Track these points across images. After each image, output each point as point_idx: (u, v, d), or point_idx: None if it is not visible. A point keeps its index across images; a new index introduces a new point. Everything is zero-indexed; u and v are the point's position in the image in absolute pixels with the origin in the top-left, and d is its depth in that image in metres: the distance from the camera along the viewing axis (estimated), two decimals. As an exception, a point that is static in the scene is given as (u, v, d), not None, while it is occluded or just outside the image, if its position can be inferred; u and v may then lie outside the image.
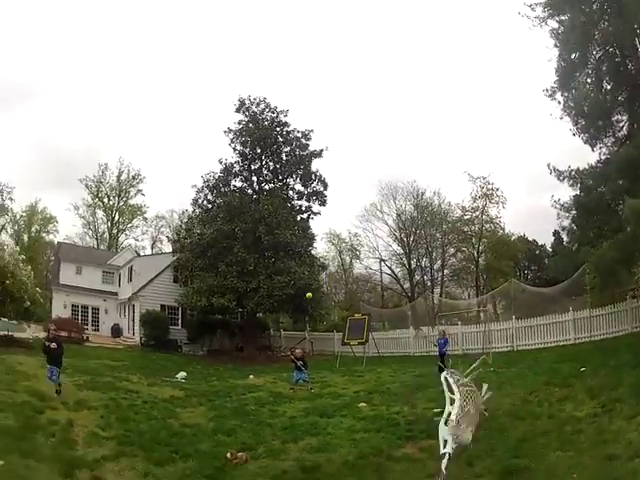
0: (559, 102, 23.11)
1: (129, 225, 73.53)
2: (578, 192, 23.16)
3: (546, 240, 53.21)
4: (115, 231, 72.53)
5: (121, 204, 71.75)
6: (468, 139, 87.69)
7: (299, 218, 35.86)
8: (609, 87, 22.25)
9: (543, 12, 22.57)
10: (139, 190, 71.53)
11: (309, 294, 27.39)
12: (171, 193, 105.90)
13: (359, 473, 8.93)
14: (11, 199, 67.96)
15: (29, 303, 25.16)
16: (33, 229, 71.54)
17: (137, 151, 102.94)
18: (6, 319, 19.60)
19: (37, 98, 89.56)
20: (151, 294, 37.32)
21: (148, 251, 67.44)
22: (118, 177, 70.70)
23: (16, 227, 70.99)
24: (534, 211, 60.96)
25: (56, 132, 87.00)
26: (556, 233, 31.23)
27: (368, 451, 10.03)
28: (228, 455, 9.71)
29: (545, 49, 23.00)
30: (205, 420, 13.00)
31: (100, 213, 72.13)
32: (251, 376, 21.65)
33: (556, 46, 22.65)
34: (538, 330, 26.46)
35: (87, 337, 34.43)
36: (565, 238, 29.55)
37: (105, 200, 71.23)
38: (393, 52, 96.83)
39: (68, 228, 72.73)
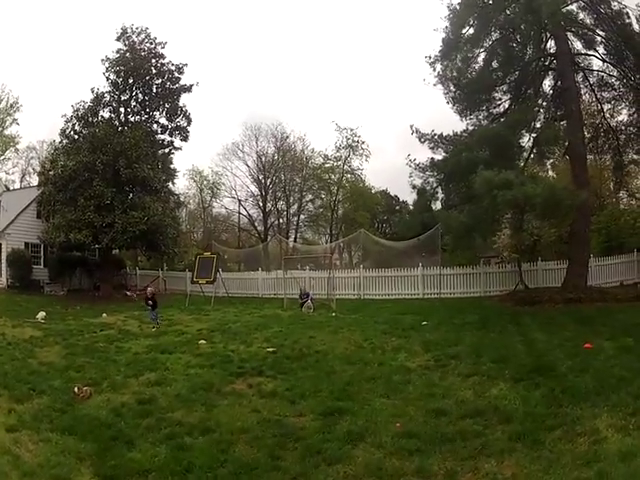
0: (434, 70, 24.14)
1: (2, 158, 66.39)
2: (438, 156, 24.27)
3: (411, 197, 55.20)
4: (-12, 165, 65.18)
5: (-4, 136, 64.49)
6: (341, 93, 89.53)
7: (160, 152, 35.07)
8: (497, 66, 23.17)
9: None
10: (15, 119, 63.90)
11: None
12: (47, 122, 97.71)
13: (189, 406, 9.31)
14: None
15: None
16: None
17: (16, 75, 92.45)
18: None
19: None
20: (16, 231, 34.32)
21: (17, 185, 61.86)
22: (-4, 106, 63.68)
23: None
24: (406, 169, 62.75)
25: None
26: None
27: (200, 385, 10.55)
28: (75, 390, 10.20)
29: (429, 18, 23.96)
30: (59, 358, 13.36)
31: (-22, 147, 64.41)
32: (104, 314, 22.03)
33: (448, 18, 23.46)
34: (387, 281, 27.98)
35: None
36: (414, 197, 30.80)
37: (-16, 132, 63.58)
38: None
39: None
